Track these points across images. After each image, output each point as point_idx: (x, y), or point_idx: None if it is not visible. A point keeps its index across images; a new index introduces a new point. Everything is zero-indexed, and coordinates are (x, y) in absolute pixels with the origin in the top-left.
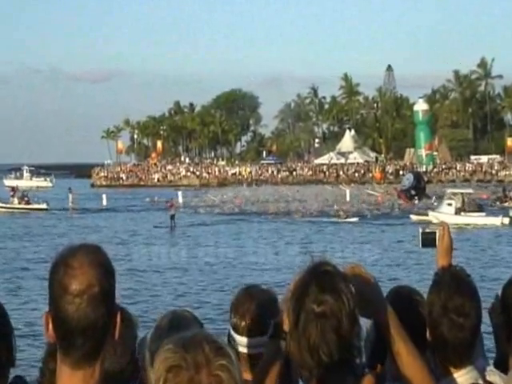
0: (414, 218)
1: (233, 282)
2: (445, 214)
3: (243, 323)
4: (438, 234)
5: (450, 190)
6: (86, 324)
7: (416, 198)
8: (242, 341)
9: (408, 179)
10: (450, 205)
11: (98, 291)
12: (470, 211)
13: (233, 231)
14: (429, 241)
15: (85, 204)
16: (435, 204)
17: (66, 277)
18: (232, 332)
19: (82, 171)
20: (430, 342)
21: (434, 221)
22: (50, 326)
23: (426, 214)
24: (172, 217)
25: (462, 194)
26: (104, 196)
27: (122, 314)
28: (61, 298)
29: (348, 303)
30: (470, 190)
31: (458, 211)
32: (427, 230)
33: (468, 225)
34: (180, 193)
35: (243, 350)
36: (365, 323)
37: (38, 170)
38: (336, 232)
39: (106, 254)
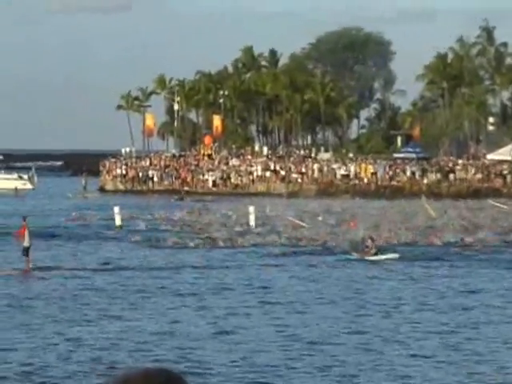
0: None
1: None
2: None
3: None
4: None
5: None
6: None
7: None
8: None
9: None
10: None
11: None
12: None
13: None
14: None
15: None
16: None
17: None
18: None
19: (83, 164)
20: None
21: None
22: None
23: None
24: (26, 250)
25: None
26: (116, 209)
27: None
28: None
29: None
30: None
31: None
32: None
33: None
34: (251, 209)
35: None
36: None
37: (9, 162)
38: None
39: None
